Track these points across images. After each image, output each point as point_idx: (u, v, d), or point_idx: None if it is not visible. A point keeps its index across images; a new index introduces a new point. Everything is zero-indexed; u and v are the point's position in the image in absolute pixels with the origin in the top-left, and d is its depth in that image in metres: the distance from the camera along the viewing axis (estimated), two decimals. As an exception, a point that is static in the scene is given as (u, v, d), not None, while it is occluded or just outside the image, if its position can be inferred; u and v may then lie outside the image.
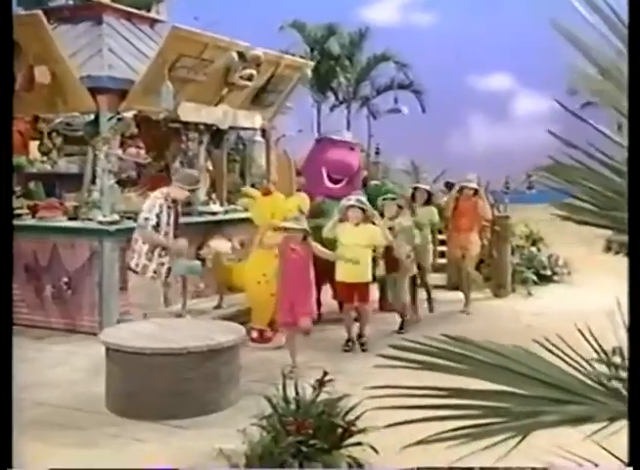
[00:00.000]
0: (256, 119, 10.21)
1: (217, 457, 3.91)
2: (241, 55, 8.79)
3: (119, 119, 7.96)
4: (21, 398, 5.52)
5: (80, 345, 7.61)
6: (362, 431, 4.09)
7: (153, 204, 6.70)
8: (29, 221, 8.48)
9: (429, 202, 9.14)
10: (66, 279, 8.16)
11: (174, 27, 7.67)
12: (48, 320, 8.32)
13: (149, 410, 5.19)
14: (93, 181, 9.44)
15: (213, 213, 9.59)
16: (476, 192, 9.54)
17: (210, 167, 10.09)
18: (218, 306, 8.79)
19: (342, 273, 7.42)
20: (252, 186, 11.68)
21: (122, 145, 8.41)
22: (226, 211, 9.84)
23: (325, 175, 8.79)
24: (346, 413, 4.18)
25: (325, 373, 4.26)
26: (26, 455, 4.40)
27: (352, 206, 7.39)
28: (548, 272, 12.09)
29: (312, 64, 10.85)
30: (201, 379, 5.20)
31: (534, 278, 11.67)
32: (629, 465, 3.26)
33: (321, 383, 4.20)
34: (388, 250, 7.82)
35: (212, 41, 8.30)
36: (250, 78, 9.18)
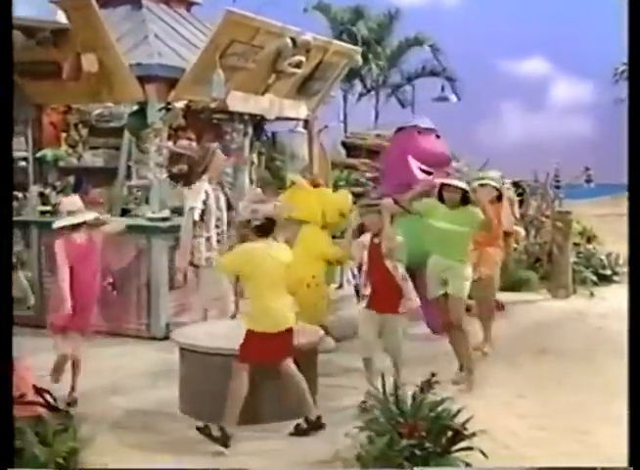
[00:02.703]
0: (302, 109, 10.38)
1: (333, 460, 4.07)
2: (291, 41, 8.94)
3: (168, 110, 8.13)
4: (91, 402, 5.71)
5: (129, 348, 7.79)
6: (473, 435, 4.24)
7: (197, 190, 6.90)
8: (71, 218, 8.63)
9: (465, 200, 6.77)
10: (110, 279, 8.33)
11: (229, 12, 7.83)
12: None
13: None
14: (128, 176, 9.65)
15: (258, 209, 9.73)
16: (499, 196, 7.74)
17: (255, 160, 10.27)
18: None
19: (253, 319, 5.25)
20: (293, 184, 11.86)
21: (169, 137, 8.58)
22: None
23: (414, 167, 7.96)
24: (454, 416, 4.33)
25: (432, 374, 4.41)
26: (121, 460, 4.59)
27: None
28: (608, 272, 12.18)
29: (361, 50, 10.99)
30: (279, 382, 5.33)
31: (594, 278, 11.79)
32: (629, 465, 3.41)
33: (429, 384, 4.34)
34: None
35: (264, 26, 8.46)
36: (298, 65, 9.32)
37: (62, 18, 5.56)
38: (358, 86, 24.45)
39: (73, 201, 6.09)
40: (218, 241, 6.99)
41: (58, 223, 5.92)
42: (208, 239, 6.96)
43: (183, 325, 7.75)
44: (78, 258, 5.80)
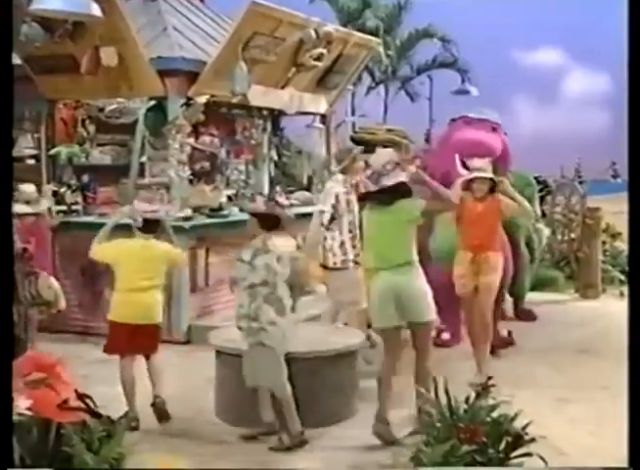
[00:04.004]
0: (322, 104, 10.41)
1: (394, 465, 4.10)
2: (314, 32, 8.96)
3: (189, 105, 8.15)
4: (121, 408, 5.73)
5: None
6: (533, 440, 4.27)
7: (329, 193, 6.90)
8: (87, 218, 8.66)
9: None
10: (129, 281, 8.32)
11: (253, 3, 7.85)
12: (107, 326, 8.47)
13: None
14: (141, 174, 9.66)
15: (279, 208, 9.74)
16: (492, 188, 6.77)
17: (275, 157, 10.28)
18: (291, 310, 8.94)
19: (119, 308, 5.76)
20: (309, 179, 11.88)
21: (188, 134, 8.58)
22: (291, 205, 9.99)
23: (458, 162, 7.24)
24: (511, 420, 4.36)
25: (489, 377, 4.44)
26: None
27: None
28: (637, 271, 12.17)
29: (381, 41, 11.02)
30: (324, 385, 5.38)
31: (622, 277, 11.80)
32: (629, 465, 3.46)
33: (484, 388, 4.37)
34: None
35: (287, 17, 8.49)
36: (319, 58, 9.36)
37: (97, 11, 5.58)
38: (367, 79, 24.44)
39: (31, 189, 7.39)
40: (354, 246, 6.95)
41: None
42: (342, 243, 6.93)
43: (203, 328, 7.83)
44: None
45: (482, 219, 6.72)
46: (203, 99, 8.15)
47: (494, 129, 7.99)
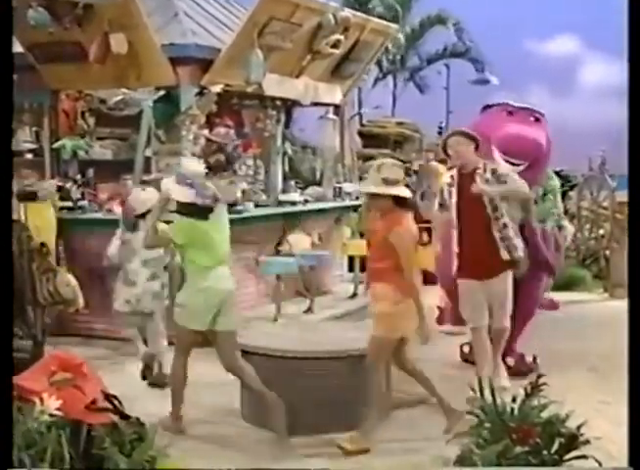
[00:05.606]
0: (337, 94, 10.41)
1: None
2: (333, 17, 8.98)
3: (202, 94, 8.15)
4: (147, 412, 5.73)
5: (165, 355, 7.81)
6: (587, 442, 4.28)
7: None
8: (95, 215, 8.66)
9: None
10: (138, 281, 8.32)
11: (271, -13, 7.87)
12: (115, 329, 8.47)
13: (298, 422, 5.34)
14: (147, 169, 9.65)
15: (293, 203, 9.77)
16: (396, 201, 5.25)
17: (289, 151, 10.27)
18: (309, 310, 8.98)
19: None
20: (321, 176, 11.92)
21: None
22: (306, 201, 10.01)
23: (497, 156, 6.69)
24: (563, 421, 4.36)
25: (539, 376, 4.45)
26: None
27: None
28: (663, 269, 12.19)
29: (398, 27, 11.04)
30: (356, 386, 5.36)
31: (651, 275, 11.80)
32: (629, 465, 3.50)
33: (536, 387, 4.39)
34: None
35: (304, 2, 8.50)
36: (336, 45, 9.36)
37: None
38: (374, 70, 24.35)
39: None
40: None
41: None
42: None
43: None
44: None
45: (374, 239, 5.32)
46: (217, 88, 8.14)
47: (537, 120, 7.20)
